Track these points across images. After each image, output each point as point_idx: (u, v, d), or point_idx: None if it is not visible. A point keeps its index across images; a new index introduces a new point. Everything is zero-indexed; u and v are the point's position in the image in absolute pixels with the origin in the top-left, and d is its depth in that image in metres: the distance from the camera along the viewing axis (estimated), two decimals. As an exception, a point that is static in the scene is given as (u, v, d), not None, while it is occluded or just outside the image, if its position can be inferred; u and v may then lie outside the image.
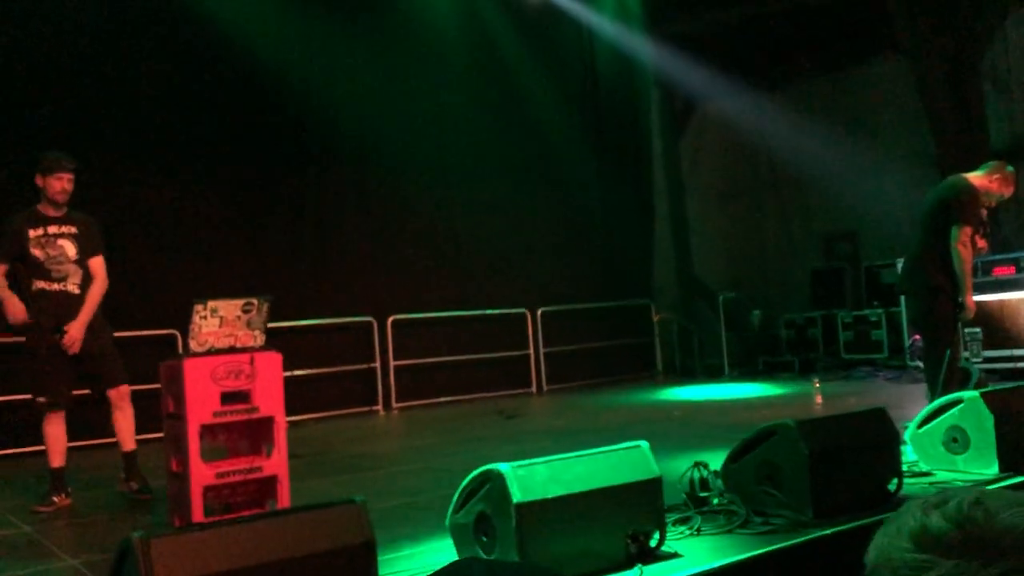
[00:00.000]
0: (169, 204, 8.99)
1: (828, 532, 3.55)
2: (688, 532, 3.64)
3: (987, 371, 8.43)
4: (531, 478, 3.14)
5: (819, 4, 11.77)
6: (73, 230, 5.43)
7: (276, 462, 4.56)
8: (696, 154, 14.14)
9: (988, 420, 4.53)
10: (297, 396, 7.58)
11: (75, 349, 5.32)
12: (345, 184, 10.29)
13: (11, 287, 5.35)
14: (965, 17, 10.03)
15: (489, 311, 11.14)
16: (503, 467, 3.12)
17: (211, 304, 4.49)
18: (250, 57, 9.44)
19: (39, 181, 5.38)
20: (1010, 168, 5.88)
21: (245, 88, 9.52)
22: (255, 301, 4.62)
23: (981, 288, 8.60)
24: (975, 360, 8.25)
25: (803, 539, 3.50)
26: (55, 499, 5.27)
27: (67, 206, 5.47)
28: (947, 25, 10.04)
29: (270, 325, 4.71)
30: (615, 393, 10.78)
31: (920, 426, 4.81)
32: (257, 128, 9.62)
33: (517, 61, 11.60)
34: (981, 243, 5.89)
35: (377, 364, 10.19)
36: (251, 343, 4.61)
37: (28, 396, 5.46)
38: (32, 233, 5.31)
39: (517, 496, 3.05)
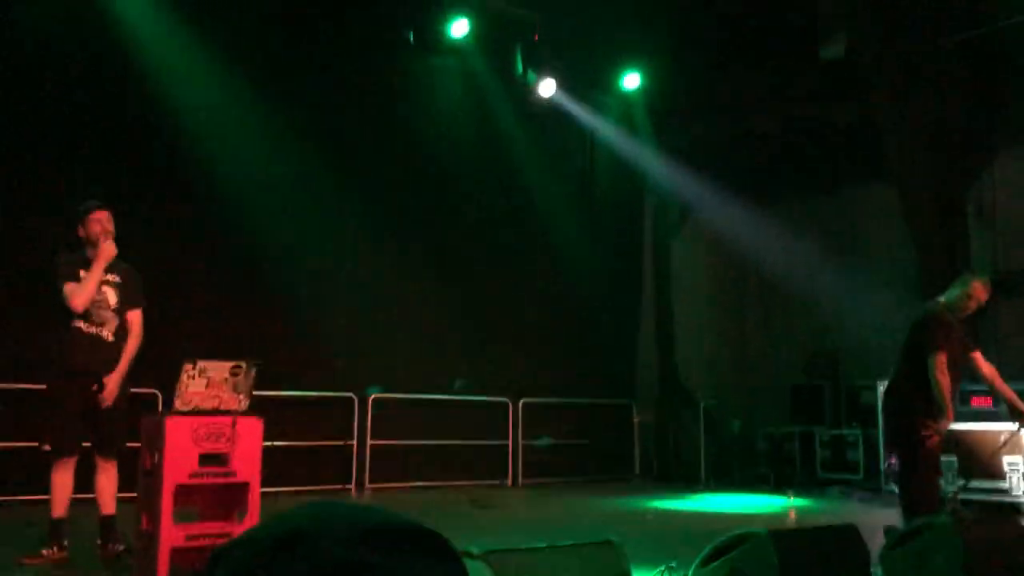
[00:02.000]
0: (159, 263, 9.01)
1: (794, 645, 3.54)
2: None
3: (962, 501, 8.45)
4: (506, 567, 3.15)
5: (814, 127, 12.18)
6: (117, 279, 5.50)
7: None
8: (686, 261, 14.37)
9: (958, 549, 4.55)
10: (271, 467, 7.50)
11: (109, 403, 5.31)
12: (338, 258, 10.40)
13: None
14: (954, 152, 10.39)
15: (471, 398, 11.14)
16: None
17: (200, 364, 4.54)
18: (249, 120, 9.64)
19: (81, 232, 5.46)
20: (980, 276, 6.10)
21: (240, 153, 9.60)
22: (243, 364, 4.67)
23: (959, 417, 8.68)
24: (949, 489, 8.27)
25: (768, 650, 3.49)
26: (45, 552, 5.16)
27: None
28: (936, 159, 10.38)
29: (249, 393, 4.75)
30: (591, 492, 10.71)
31: (892, 547, 4.82)
32: (255, 197, 9.68)
33: (521, 155, 11.89)
34: (987, 368, 5.99)
35: (355, 442, 10.12)
36: (235, 406, 4.65)
37: (35, 443, 5.40)
38: (82, 274, 5.36)
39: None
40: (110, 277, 5.47)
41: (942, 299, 6.04)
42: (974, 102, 10.59)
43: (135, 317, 5.54)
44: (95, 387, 5.30)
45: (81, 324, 5.33)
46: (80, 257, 5.46)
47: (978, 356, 6.05)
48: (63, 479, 5.25)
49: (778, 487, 11.19)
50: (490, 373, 11.31)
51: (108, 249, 5.31)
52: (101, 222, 5.45)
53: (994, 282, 9.45)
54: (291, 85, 10.06)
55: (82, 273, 5.35)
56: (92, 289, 5.30)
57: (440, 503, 9.20)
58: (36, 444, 5.34)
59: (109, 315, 5.43)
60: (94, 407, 5.32)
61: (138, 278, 5.63)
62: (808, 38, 11.12)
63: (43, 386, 5.45)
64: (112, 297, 5.45)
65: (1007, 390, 6.03)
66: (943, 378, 5.66)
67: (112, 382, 5.32)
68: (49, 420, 5.28)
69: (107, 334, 5.41)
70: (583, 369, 12.39)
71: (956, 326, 5.92)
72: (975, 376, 6.33)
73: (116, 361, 5.40)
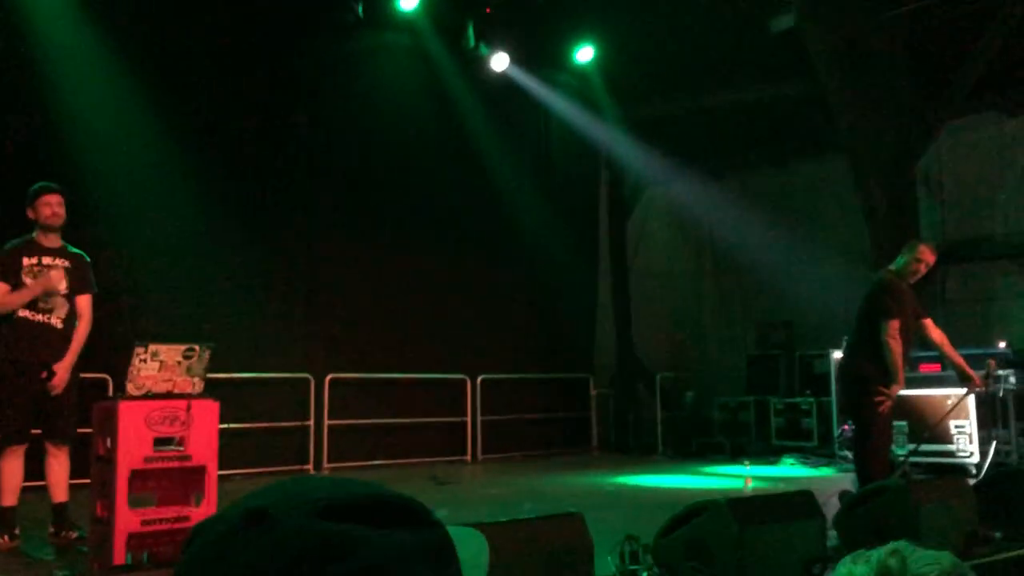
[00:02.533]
0: (110, 244, 8.84)
1: (754, 610, 3.60)
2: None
3: (912, 464, 8.65)
4: (463, 545, 3.15)
5: (767, 101, 12.27)
6: (67, 264, 5.40)
7: (205, 512, 4.48)
8: (641, 235, 14.45)
9: (911, 511, 4.65)
10: (227, 449, 7.43)
11: (59, 391, 5.21)
12: (294, 240, 10.28)
13: None
14: (902, 124, 10.54)
15: (428, 375, 11.12)
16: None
17: (152, 347, 4.46)
18: (207, 103, 9.53)
19: (31, 214, 5.37)
20: (926, 241, 6.37)
21: (198, 134, 9.51)
22: (197, 347, 4.60)
23: (908, 383, 8.87)
24: (899, 453, 8.46)
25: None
26: None
27: (63, 239, 5.44)
28: (885, 131, 10.52)
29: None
30: (551, 465, 10.77)
31: (847, 511, 4.92)
32: (210, 178, 9.59)
33: (475, 130, 11.80)
34: (936, 334, 6.15)
35: (311, 422, 10.07)
36: (189, 389, 4.58)
37: None
38: (26, 261, 5.27)
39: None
40: (59, 262, 5.37)
41: (892, 267, 6.16)
42: (920, 73, 10.74)
43: (85, 303, 5.45)
44: (44, 375, 5.19)
45: (27, 313, 5.23)
46: (27, 241, 5.36)
47: (929, 323, 6.20)
48: (12, 467, 5.16)
49: (734, 456, 11.36)
50: (448, 350, 11.30)
51: (38, 286, 5.21)
52: (51, 205, 5.35)
53: (941, 251, 9.67)
54: (238, 66, 9.88)
55: (25, 261, 5.26)
56: (15, 305, 5.19)
57: (401, 480, 9.18)
58: None
59: (59, 301, 5.33)
60: (44, 395, 5.22)
61: (88, 264, 5.54)
62: (758, 11, 11.17)
63: None
64: (61, 283, 5.35)
65: (956, 356, 6.18)
66: (895, 344, 5.79)
67: (62, 369, 5.23)
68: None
69: (56, 321, 5.31)
70: (541, 344, 12.43)
71: (907, 293, 6.04)
72: (925, 343, 6.47)
73: (66, 348, 5.31)
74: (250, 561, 0.52)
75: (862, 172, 10.76)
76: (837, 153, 11.38)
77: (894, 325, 5.82)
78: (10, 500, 5.14)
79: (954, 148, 11.69)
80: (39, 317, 5.25)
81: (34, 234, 5.39)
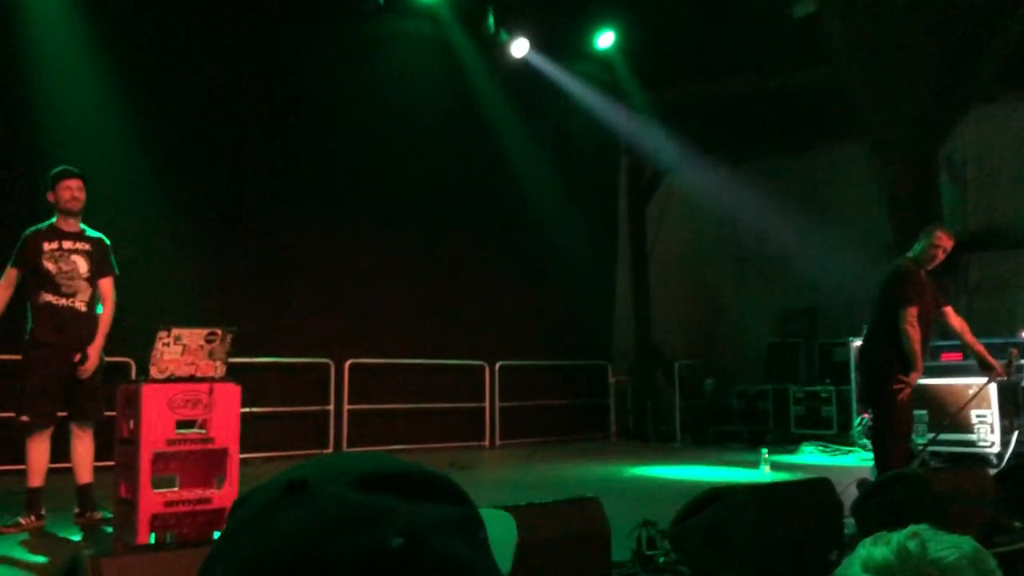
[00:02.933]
0: (132, 231, 8.92)
1: (770, 596, 3.61)
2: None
3: (932, 453, 8.61)
4: (493, 524, 3.17)
5: (788, 88, 12.18)
6: (87, 247, 5.46)
7: (227, 494, 4.54)
8: (661, 222, 14.41)
9: (930, 499, 4.64)
10: (249, 434, 7.50)
11: (90, 374, 5.29)
12: (315, 225, 10.32)
13: (12, 299, 5.36)
14: (925, 110, 10.44)
15: (447, 361, 11.17)
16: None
17: (175, 331, 4.51)
18: (221, 90, 9.59)
19: (51, 197, 5.43)
20: (943, 226, 6.23)
21: (216, 122, 9.59)
22: (219, 331, 4.64)
23: (929, 372, 8.82)
24: (919, 442, 8.42)
25: (745, 601, 3.56)
26: (23, 520, 5.15)
27: (82, 223, 5.51)
28: (907, 117, 10.43)
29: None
30: (569, 452, 10.80)
31: (865, 499, 4.91)
32: (229, 165, 9.68)
33: (493, 116, 11.79)
34: (957, 322, 6.12)
35: (331, 407, 10.14)
36: (211, 373, 4.63)
37: (11, 414, 5.35)
38: (47, 246, 5.33)
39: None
40: (79, 246, 5.42)
41: (909, 254, 6.12)
42: (943, 59, 10.63)
43: (107, 286, 5.51)
44: (77, 358, 5.27)
45: (51, 298, 5.30)
46: (48, 226, 5.43)
47: (949, 311, 6.16)
48: (39, 449, 5.24)
49: (752, 444, 11.35)
50: (466, 336, 11.34)
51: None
52: (71, 189, 5.41)
53: (964, 239, 9.57)
54: (262, 53, 9.93)
55: (45, 246, 5.33)
56: None
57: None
58: (12, 415, 5.28)
59: (81, 284, 5.38)
60: (72, 378, 5.29)
61: (107, 247, 5.59)
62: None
63: (18, 357, 5.39)
64: (83, 266, 5.40)
65: (976, 344, 6.14)
66: (913, 331, 5.76)
67: (93, 352, 5.30)
68: (25, 392, 5.23)
69: (80, 304, 5.37)
70: (559, 331, 12.44)
71: (926, 281, 6.00)
72: (945, 331, 6.43)
73: (93, 331, 5.37)
74: (290, 526, 0.56)
75: (884, 159, 10.68)
76: (859, 140, 11.29)
77: (912, 312, 5.79)
78: (37, 481, 5.22)
79: (978, 134, 11.57)
80: (63, 301, 5.31)
81: (54, 219, 5.45)
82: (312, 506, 0.57)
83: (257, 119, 9.89)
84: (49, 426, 5.27)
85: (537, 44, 11.88)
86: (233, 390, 4.65)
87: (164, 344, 4.48)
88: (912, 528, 1.01)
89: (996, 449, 8.53)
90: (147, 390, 4.40)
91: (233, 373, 4.81)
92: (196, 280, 9.33)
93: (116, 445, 4.68)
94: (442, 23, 11.33)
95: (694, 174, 13.67)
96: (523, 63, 11.98)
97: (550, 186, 12.40)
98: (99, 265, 5.48)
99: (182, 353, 4.54)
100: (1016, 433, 8.46)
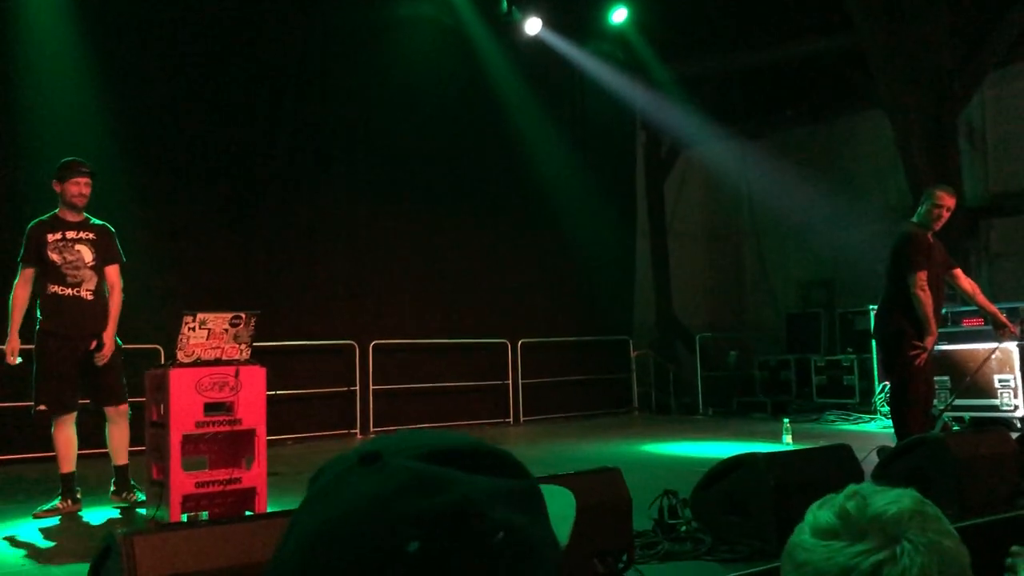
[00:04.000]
0: (155, 219, 9.06)
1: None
2: (655, 556, 3.75)
3: (954, 418, 8.62)
4: (552, 499, 3.24)
5: (804, 58, 12.11)
6: (91, 236, 5.50)
7: (256, 474, 4.64)
8: (679, 197, 14.40)
9: (951, 464, 4.66)
10: (276, 416, 7.63)
11: (107, 360, 5.39)
12: (335, 208, 10.41)
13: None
14: (943, 76, 10.35)
15: (470, 340, 11.26)
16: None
17: (200, 316, 4.60)
18: (243, 74, 9.68)
19: (56, 187, 5.48)
20: (940, 188, 6.18)
21: (238, 107, 9.70)
22: (243, 315, 4.73)
23: (951, 338, 8.82)
24: (939, 406, 8.43)
25: (765, 567, 3.62)
26: (60, 504, 5.28)
27: (86, 213, 5.56)
28: (926, 83, 10.35)
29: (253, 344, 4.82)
30: (592, 426, 10.88)
31: (886, 465, 4.94)
32: (250, 148, 9.78)
33: (509, 96, 11.81)
34: (967, 284, 6.11)
35: (357, 388, 10.26)
36: (237, 356, 4.72)
37: (30, 403, 5.43)
38: (50, 237, 5.38)
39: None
40: (83, 235, 5.47)
41: (914, 219, 6.10)
42: (960, 25, 10.52)
43: (114, 273, 5.56)
44: (93, 345, 5.37)
45: (57, 288, 5.37)
46: (51, 217, 5.48)
47: (958, 272, 6.15)
48: (65, 435, 5.36)
49: (775, 415, 11.38)
50: (488, 314, 11.42)
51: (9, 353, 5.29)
52: (79, 185, 5.44)
53: (984, 204, 9.49)
54: (280, 37, 10.00)
55: (49, 237, 5.37)
56: (12, 317, 5.33)
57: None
58: (31, 405, 5.38)
59: (87, 273, 5.43)
60: (91, 365, 5.40)
61: (112, 234, 5.62)
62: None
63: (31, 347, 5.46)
64: (88, 254, 5.45)
65: (988, 304, 6.15)
66: (924, 296, 5.76)
67: (108, 339, 5.39)
68: (41, 381, 5.32)
69: (86, 293, 5.42)
70: (580, 308, 12.50)
71: (935, 243, 6.00)
72: (962, 297, 6.43)
73: (103, 318, 5.44)
74: (363, 490, 0.64)
75: (902, 127, 10.61)
76: (876, 109, 11.22)
77: (922, 276, 5.79)
78: (68, 466, 5.34)
79: (996, 100, 11.47)
80: (68, 291, 5.38)
81: (57, 209, 5.50)
82: (382, 474, 0.64)
83: (277, 103, 9.97)
84: (66, 412, 5.36)
85: (550, 22, 11.86)
86: (259, 372, 4.75)
87: (190, 328, 4.58)
88: (852, 487, 1.01)
89: (1020, 413, 8.53)
90: (175, 374, 4.50)
91: (259, 356, 4.91)
92: (221, 265, 9.45)
93: (147, 428, 4.80)
94: (455, 4, 11.33)
95: (711, 148, 13.65)
96: (537, 41, 11.96)
97: (567, 163, 12.42)
98: (105, 253, 5.52)
99: (207, 337, 4.63)
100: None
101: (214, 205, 9.55)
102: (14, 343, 5.28)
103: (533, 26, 11.74)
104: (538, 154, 12.03)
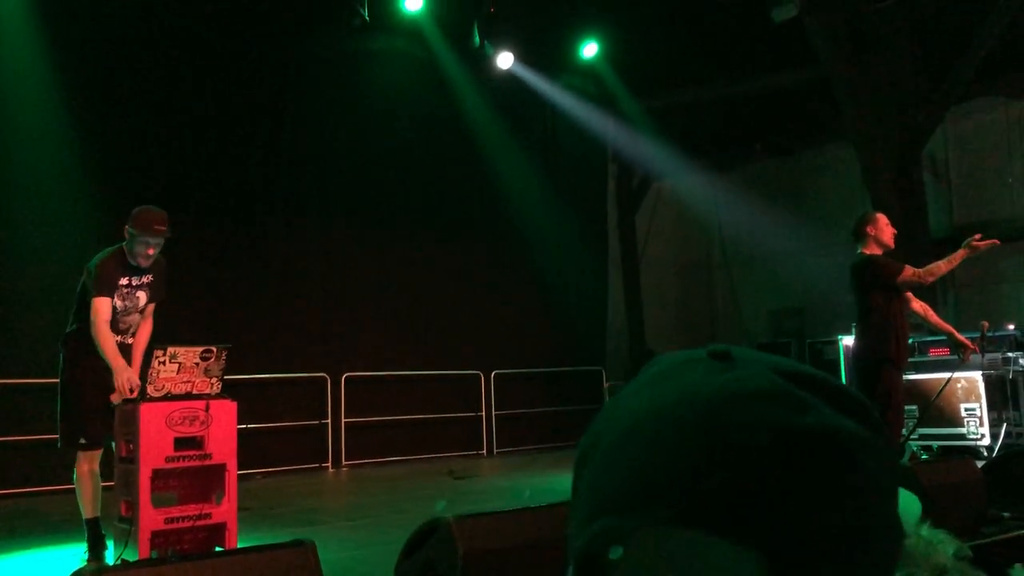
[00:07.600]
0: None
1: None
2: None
3: (923, 447, 8.72)
4: (476, 529, 3.24)
5: (771, 92, 12.32)
6: (150, 279, 5.20)
7: (226, 510, 4.61)
8: (651, 228, 14.53)
9: (917, 490, 4.71)
10: (246, 449, 7.55)
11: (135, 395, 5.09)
12: (307, 240, 10.41)
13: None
14: (908, 109, 10.57)
15: (443, 372, 11.25)
16: (450, 518, 3.20)
17: (171, 350, 4.58)
18: (215, 109, 9.71)
19: (126, 234, 5.05)
20: (869, 212, 6.36)
21: (211, 141, 9.70)
22: (214, 349, 4.72)
23: (917, 367, 8.94)
24: (911, 437, 8.53)
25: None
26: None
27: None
28: (891, 116, 10.56)
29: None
30: (567, 457, 10.87)
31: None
32: (222, 182, 9.78)
33: (481, 129, 11.90)
34: (918, 305, 6.17)
35: (329, 420, 10.21)
36: (207, 390, 4.70)
37: (56, 436, 5.11)
38: (122, 281, 5.06)
39: (462, 546, 3.14)
40: (145, 279, 5.17)
41: (864, 250, 6.12)
42: (924, 58, 10.77)
43: (151, 309, 5.29)
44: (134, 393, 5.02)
45: None
46: (122, 256, 5.09)
47: (909, 295, 6.17)
48: (96, 473, 5.04)
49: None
50: (461, 346, 11.42)
51: (123, 382, 4.82)
52: (150, 245, 5.02)
53: (949, 236, 9.65)
54: (252, 71, 10.04)
55: (122, 281, 5.05)
56: (101, 346, 4.91)
57: (418, 475, 9.32)
58: (57, 437, 5.09)
59: (136, 318, 5.19)
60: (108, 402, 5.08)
61: (164, 270, 5.30)
62: (760, 1, 11.22)
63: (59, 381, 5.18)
64: (143, 299, 5.19)
65: (942, 323, 6.22)
66: (923, 271, 5.81)
67: (136, 375, 4.98)
68: (81, 415, 5.02)
69: (129, 339, 5.20)
70: (553, 338, 12.53)
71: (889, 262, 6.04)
72: (927, 327, 6.49)
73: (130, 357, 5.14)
74: (717, 381, 0.56)
75: (868, 159, 10.81)
76: (843, 141, 11.43)
77: (907, 270, 5.83)
78: (95, 511, 5.03)
79: (960, 133, 11.73)
80: (118, 338, 5.08)
81: (124, 244, 5.10)
82: (740, 371, 0.57)
83: (248, 136, 10.00)
84: (99, 447, 5.05)
85: (522, 56, 11.99)
86: (229, 406, 4.72)
87: (160, 363, 4.55)
88: None
89: (986, 442, 8.64)
90: (145, 408, 4.47)
91: (229, 390, 4.88)
92: (191, 298, 9.39)
93: (116, 464, 4.75)
94: (428, 38, 11.44)
95: (681, 180, 13.82)
96: (509, 75, 12.09)
97: (540, 196, 12.51)
98: (153, 293, 5.23)
99: (178, 371, 4.61)
100: (1005, 426, 8.56)
101: (185, 238, 9.47)
102: (135, 377, 4.88)
103: (505, 60, 11.86)
104: (511, 187, 12.11)
